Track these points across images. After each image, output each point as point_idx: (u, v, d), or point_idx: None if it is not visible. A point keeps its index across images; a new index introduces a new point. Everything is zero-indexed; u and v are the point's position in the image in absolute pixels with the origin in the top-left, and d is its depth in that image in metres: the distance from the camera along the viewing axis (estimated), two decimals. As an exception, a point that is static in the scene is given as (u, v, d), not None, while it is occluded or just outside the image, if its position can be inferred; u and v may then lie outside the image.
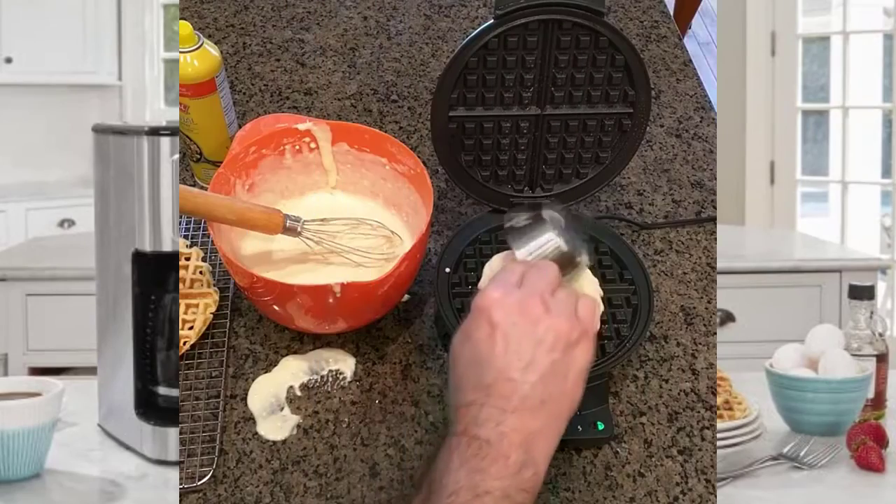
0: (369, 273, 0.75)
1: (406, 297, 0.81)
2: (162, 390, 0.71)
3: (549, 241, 0.60)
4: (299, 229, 0.74)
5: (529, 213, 0.62)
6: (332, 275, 0.77)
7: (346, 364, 0.76)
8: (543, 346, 0.52)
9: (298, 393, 0.74)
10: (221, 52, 0.85)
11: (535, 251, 0.60)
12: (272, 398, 0.73)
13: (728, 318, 1.24)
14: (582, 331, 0.54)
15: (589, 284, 0.65)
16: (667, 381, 0.77)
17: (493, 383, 0.52)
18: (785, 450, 0.73)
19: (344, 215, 0.79)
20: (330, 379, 0.75)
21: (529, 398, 0.51)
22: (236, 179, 0.79)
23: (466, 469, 0.49)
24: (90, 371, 0.78)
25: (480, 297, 0.55)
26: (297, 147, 0.82)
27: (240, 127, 0.85)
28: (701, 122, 1.04)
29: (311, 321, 0.73)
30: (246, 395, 0.71)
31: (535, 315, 0.53)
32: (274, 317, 0.76)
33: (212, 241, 0.81)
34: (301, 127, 0.80)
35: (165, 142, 0.68)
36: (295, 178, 0.84)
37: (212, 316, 0.76)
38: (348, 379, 0.75)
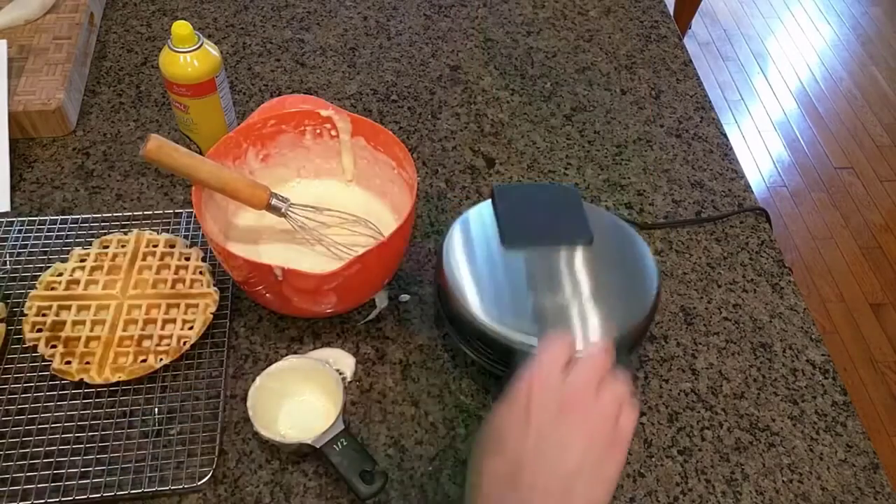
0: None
1: (406, 297, 0.82)
2: None
3: None
4: (284, 210, 0.75)
5: None
6: (307, 260, 0.79)
7: (346, 364, 0.76)
8: (575, 451, 0.50)
9: (298, 393, 0.74)
10: (221, 52, 0.85)
11: None
12: (272, 398, 0.73)
13: None
14: (618, 441, 0.52)
15: None
16: (667, 381, 0.77)
17: (519, 484, 0.50)
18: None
19: (352, 208, 0.80)
20: (330, 379, 0.75)
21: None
22: (249, 146, 0.81)
23: None
24: None
25: (523, 383, 0.52)
26: (318, 131, 0.83)
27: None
28: (701, 122, 1.04)
29: (282, 303, 0.74)
30: (246, 395, 0.71)
31: (573, 417, 0.51)
32: (262, 301, 0.77)
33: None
34: (324, 113, 0.81)
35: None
36: (313, 160, 0.85)
37: (212, 316, 0.76)
38: (348, 379, 0.75)
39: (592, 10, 1.21)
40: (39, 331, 0.75)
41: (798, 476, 0.71)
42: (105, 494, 0.66)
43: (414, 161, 0.78)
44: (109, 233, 0.84)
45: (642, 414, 0.74)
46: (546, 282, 0.72)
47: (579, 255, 0.74)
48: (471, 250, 0.75)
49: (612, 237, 0.77)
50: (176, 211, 0.88)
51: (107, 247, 0.81)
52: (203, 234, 0.81)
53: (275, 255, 0.79)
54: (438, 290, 0.75)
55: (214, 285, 0.79)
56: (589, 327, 0.69)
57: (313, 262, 0.78)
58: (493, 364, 0.70)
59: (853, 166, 2.38)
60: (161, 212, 0.88)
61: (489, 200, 0.80)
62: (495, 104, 1.05)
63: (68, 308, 0.76)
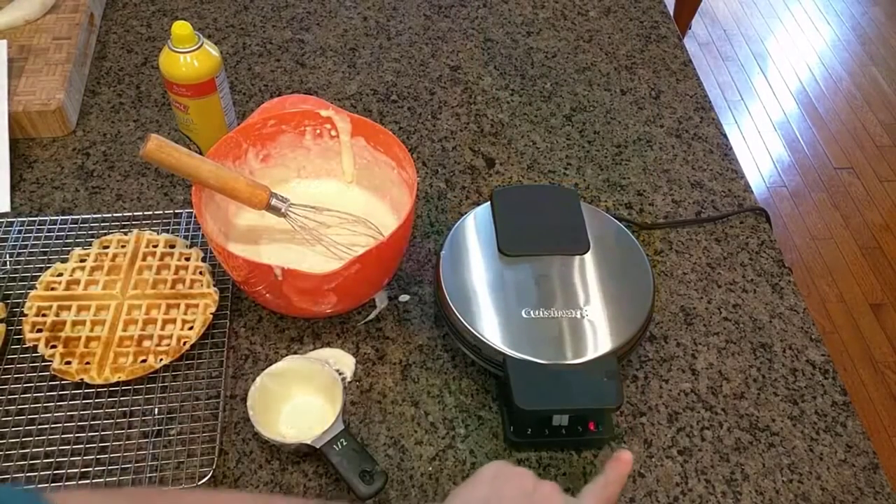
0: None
1: (406, 297, 0.81)
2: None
3: None
4: (284, 210, 0.75)
5: None
6: (307, 260, 0.79)
7: (346, 364, 0.76)
8: None
9: (298, 393, 0.74)
10: (221, 52, 0.85)
11: None
12: (272, 398, 0.73)
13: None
14: None
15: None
16: (667, 381, 0.77)
17: None
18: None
19: (352, 208, 0.80)
20: (330, 379, 0.75)
21: None
22: (249, 146, 0.81)
23: None
24: None
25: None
26: (318, 131, 0.83)
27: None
28: (701, 122, 1.04)
29: (286, 304, 0.74)
30: (246, 395, 0.71)
31: None
32: (262, 301, 0.77)
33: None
34: (323, 113, 0.82)
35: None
36: (313, 161, 0.86)
37: (212, 316, 0.76)
38: (348, 379, 0.75)
39: (592, 10, 1.21)
40: (39, 331, 0.75)
41: (798, 476, 0.71)
42: (105, 494, 0.66)
43: (414, 161, 0.78)
44: (109, 233, 0.84)
45: (642, 414, 0.74)
46: (542, 292, 0.72)
47: (576, 264, 0.75)
48: (468, 258, 0.75)
49: (610, 243, 0.78)
50: (176, 211, 0.88)
51: (107, 247, 0.82)
52: (203, 234, 0.81)
53: (275, 255, 0.80)
54: (437, 295, 0.75)
55: (214, 285, 0.79)
56: (583, 338, 0.70)
57: (313, 262, 0.78)
58: (491, 365, 0.70)
59: (853, 166, 2.38)
60: (161, 212, 0.88)
61: (488, 203, 0.80)
62: (495, 104, 1.05)
63: (68, 308, 0.76)
